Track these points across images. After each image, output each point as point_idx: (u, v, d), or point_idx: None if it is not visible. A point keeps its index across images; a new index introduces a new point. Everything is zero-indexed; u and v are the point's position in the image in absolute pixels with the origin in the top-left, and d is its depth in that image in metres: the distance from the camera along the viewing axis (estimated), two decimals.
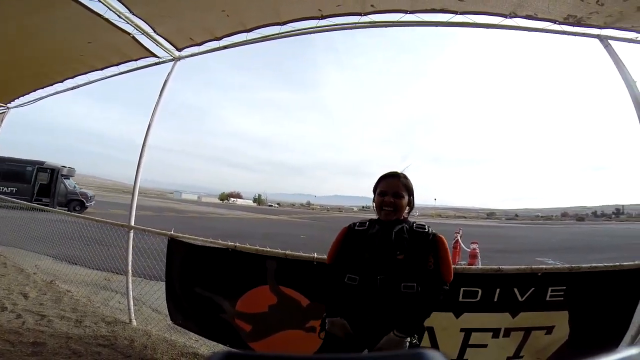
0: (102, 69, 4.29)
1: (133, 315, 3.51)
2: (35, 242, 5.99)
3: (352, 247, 1.71)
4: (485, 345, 2.22)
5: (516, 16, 2.55)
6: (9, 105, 6.47)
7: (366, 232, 1.70)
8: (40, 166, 17.30)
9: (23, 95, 5.94)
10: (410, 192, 1.71)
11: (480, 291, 2.18)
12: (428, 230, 1.65)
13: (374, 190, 1.75)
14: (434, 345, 2.24)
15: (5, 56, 4.21)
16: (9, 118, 6.73)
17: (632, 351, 0.41)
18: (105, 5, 2.93)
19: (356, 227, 1.75)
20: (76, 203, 17.79)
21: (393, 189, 1.67)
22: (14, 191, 16.21)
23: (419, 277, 1.59)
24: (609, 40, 2.49)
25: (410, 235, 1.62)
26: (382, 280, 1.55)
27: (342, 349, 1.60)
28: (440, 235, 1.65)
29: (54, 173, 17.51)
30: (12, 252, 5.91)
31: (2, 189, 16.10)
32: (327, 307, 1.71)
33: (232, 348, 2.78)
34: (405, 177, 1.73)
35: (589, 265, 2.17)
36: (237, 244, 2.77)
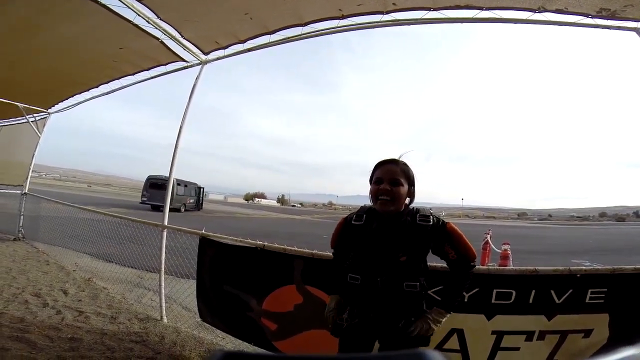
0: (133, 74, 4.50)
1: (164, 312, 3.63)
2: (75, 240, 6.32)
3: (351, 243, 1.63)
4: (517, 348, 2.14)
5: (545, 10, 2.44)
6: (49, 110, 6.89)
7: (364, 228, 1.57)
8: (198, 186, 28.34)
9: (62, 101, 6.32)
10: (410, 181, 1.56)
11: (514, 293, 2.10)
12: (433, 221, 1.51)
13: (370, 179, 1.60)
14: (463, 347, 2.18)
15: (44, 64, 4.50)
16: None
17: (632, 351, 0.40)
18: (134, 11, 3.06)
19: (353, 222, 1.62)
20: (201, 204, 29.36)
21: (390, 175, 1.51)
22: (190, 201, 26.79)
23: (422, 275, 1.54)
24: None
25: (413, 232, 1.50)
26: (382, 281, 1.49)
27: (355, 342, 1.59)
28: (449, 222, 1.53)
29: (202, 190, 29.13)
30: (54, 250, 6.25)
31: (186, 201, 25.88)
32: (328, 287, 1.83)
33: (257, 347, 2.82)
34: (404, 164, 1.57)
35: (633, 267, 2.04)
36: (266, 243, 2.79)
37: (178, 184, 24.31)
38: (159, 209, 18.81)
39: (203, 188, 29.46)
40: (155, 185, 23.46)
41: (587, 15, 2.41)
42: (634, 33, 2.42)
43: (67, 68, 4.63)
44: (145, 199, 24.17)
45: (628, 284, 2.03)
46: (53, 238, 6.65)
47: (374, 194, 1.55)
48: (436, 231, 1.51)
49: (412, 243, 1.49)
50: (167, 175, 3.80)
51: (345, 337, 1.62)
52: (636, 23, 2.38)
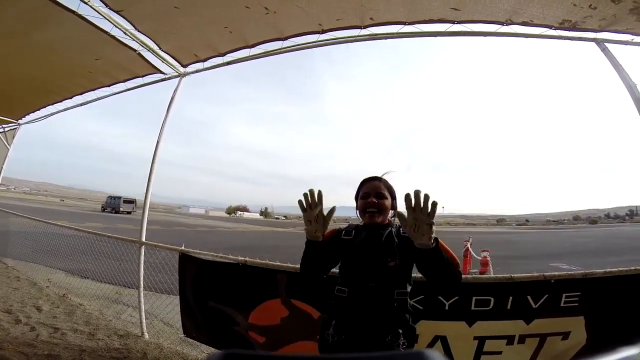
0: (109, 86, 4.40)
1: (145, 328, 3.53)
2: (47, 256, 6.05)
3: (338, 254, 1.65)
4: (499, 352, 2.19)
5: (512, 23, 2.57)
6: (19, 121, 6.61)
7: (353, 241, 1.64)
8: (132, 199, 47.75)
9: (33, 112, 6.06)
10: (392, 194, 1.69)
11: (492, 299, 2.16)
12: None
13: (356, 197, 1.72)
14: (448, 353, 2.22)
15: (15, 73, 4.34)
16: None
17: (632, 351, 0.41)
18: (111, 22, 3.01)
19: (342, 236, 1.69)
20: (135, 210, 45.27)
21: (376, 190, 1.64)
22: (132, 208, 45.46)
23: (410, 284, 1.57)
24: (605, 44, 2.50)
25: (399, 240, 1.57)
26: (374, 287, 1.51)
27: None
28: None
29: (135, 201, 46.46)
30: (25, 266, 5.99)
31: (127, 209, 44.86)
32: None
33: None
34: (386, 180, 1.71)
35: (603, 270, 2.13)
36: (248, 259, 2.77)
37: (125, 201, 46.57)
38: (113, 211, 44.23)
39: (135, 200, 47.81)
40: (112, 199, 47.44)
41: (550, 27, 2.55)
42: (593, 43, 2.56)
43: (39, 78, 4.48)
44: (105, 206, 46.94)
45: (600, 287, 2.11)
46: (24, 254, 6.37)
47: (362, 208, 1.65)
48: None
49: (399, 250, 1.54)
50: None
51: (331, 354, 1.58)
52: (595, 34, 2.53)
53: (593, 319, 2.13)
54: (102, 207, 47.61)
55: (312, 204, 1.52)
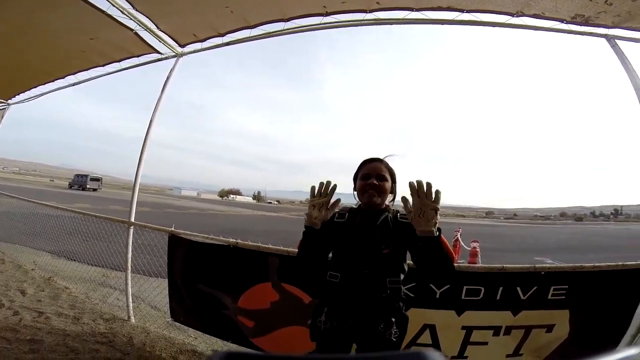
0: (103, 65, 4.25)
1: (132, 312, 3.50)
2: (33, 237, 5.95)
3: (332, 240, 1.60)
4: (485, 343, 2.22)
5: (523, 15, 2.52)
6: (9, 101, 6.43)
7: (347, 224, 1.60)
8: (99, 176, 53.37)
9: (24, 92, 5.88)
10: (393, 177, 1.65)
11: (483, 289, 2.17)
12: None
13: (355, 177, 1.67)
14: (435, 342, 2.24)
15: (6, 51, 4.18)
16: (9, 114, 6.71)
17: (632, 351, 0.41)
18: (109, 1, 2.91)
19: (335, 219, 1.63)
20: (101, 187, 51.30)
21: (376, 171, 1.59)
22: (99, 185, 49.76)
23: (403, 272, 1.55)
24: (616, 40, 2.47)
25: (395, 226, 1.54)
26: (366, 275, 1.49)
27: (332, 347, 1.55)
28: None
29: (101, 179, 52.80)
30: (10, 248, 5.88)
31: (93, 186, 48.36)
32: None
33: (235, 344, 2.77)
34: (387, 162, 1.66)
35: (592, 264, 2.16)
36: (239, 241, 2.74)
37: (92, 179, 49.51)
38: (80, 188, 46.28)
39: (101, 178, 53.76)
40: (79, 177, 49.74)
41: (562, 21, 2.51)
42: (604, 39, 2.53)
43: (30, 56, 4.31)
44: (72, 184, 48.20)
45: (587, 281, 2.15)
46: (9, 235, 6.25)
47: (362, 189, 1.59)
48: (413, 229, 1.51)
49: (394, 237, 1.51)
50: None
51: (322, 342, 1.57)
52: (607, 29, 2.49)
53: (577, 313, 2.18)
54: (70, 184, 49.58)
55: (322, 192, 1.56)
